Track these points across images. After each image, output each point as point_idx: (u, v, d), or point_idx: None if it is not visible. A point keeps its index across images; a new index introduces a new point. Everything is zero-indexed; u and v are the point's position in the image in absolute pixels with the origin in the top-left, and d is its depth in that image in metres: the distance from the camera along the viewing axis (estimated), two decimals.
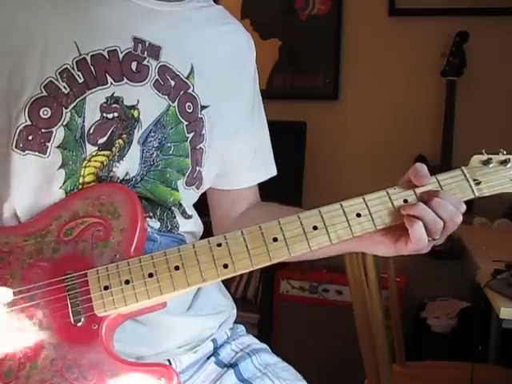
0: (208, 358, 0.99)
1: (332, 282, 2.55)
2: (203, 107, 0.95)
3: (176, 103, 0.92)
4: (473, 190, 0.82)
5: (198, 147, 0.94)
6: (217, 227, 1.12)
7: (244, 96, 1.05)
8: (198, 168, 0.95)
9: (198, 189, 0.98)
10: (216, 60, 0.99)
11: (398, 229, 0.82)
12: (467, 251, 1.77)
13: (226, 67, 1.01)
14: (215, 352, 1.00)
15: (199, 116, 0.94)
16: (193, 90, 0.94)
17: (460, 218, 0.80)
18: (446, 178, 0.82)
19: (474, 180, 0.82)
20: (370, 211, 0.81)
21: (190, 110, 0.93)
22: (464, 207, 0.81)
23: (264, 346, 1.05)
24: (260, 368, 0.98)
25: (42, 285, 0.80)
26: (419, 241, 0.79)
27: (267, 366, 0.98)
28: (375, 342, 1.57)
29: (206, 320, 0.98)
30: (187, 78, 0.93)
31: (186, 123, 0.92)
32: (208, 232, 1.01)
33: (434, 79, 2.67)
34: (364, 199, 0.81)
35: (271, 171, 1.12)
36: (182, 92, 0.93)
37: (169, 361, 0.93)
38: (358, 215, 0.80)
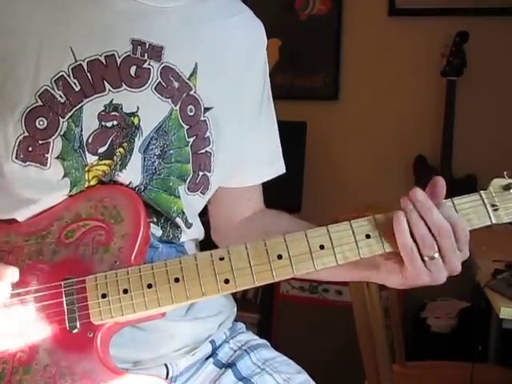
0: (206, 359, 0.97)
1: (332, 282, 2.54)
2: (206, 109, 0.91)
3: (178, 106, 0.88)
4: (490, 217, 0.78)
5: (202, 151, 0.90)
6: (216, 231, 1.08)
7: (252, 91, 1.01)
8: (201, 173, 0.91)
9: (203, 194, 0.93)
10: (223, 56, 0.94)
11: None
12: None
13: (234, 63, 0.96)
14: (214, 353, 0.98)
15: (201, 119, 0.90)
16: (195, 92, 0.90)
17: (450, 239, 0.74)
18: (463, 202, 0.78)
19: (493, 206, 0.78)
20: (379, 233, 0.77)
21: (192, 114, 0.89)
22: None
23: (263, 341, 1.03)
24: (258, 364, 0.96)
25: (40, 288, 0.79)
26: (411, 260, 0.74)
27: (266, 361, 0.97)
28: (375, 342, 1.57)
29: (204, 322, 0.96)
30: (189, 78, 0.89)
31: (186, 127, 0.89)
32: (209, 234, 1.00)
33: (434, 79, 2.67)
34: (374, 219, 0.78)
35: (279, 169, 1.08)
36: (184, 94, 0.89)
37: (166, 365, 0.91)
38: (368, 236, 0.77)
